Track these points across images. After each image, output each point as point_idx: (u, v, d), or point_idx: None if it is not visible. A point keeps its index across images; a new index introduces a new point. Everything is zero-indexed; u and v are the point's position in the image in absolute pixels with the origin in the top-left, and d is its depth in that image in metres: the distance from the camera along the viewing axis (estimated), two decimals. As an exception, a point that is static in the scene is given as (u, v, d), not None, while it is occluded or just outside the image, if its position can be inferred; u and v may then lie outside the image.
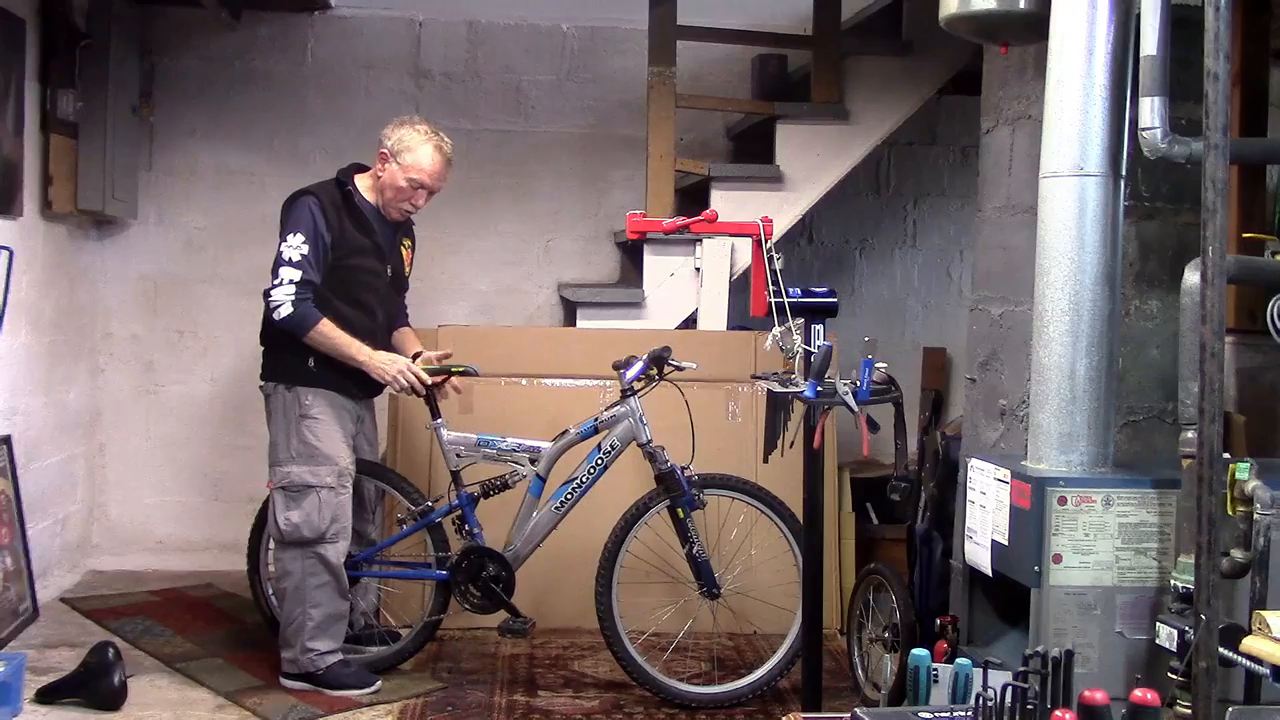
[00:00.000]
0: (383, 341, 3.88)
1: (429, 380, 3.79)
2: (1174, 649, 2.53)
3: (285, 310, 3.62)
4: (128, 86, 4.86)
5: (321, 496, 3.66)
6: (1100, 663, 2.70)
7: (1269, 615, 2.32)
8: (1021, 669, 2.25)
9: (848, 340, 4.14)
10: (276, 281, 3.63)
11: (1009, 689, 2.19)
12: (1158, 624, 2.62)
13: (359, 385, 3.81)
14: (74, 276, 4.92)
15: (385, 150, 3.77)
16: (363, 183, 3.83)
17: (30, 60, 4.35)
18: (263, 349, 3.83)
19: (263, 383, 3.82)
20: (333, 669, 3.72)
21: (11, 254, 3.96)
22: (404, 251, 3.98)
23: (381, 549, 4.00)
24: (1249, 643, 2.33)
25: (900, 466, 3.40)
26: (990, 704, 2.20)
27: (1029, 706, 2.19)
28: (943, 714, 2.35)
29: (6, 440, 4.18)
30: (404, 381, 3.74)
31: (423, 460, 4.42)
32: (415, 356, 3.90)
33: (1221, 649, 2.40)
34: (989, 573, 2.95)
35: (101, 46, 4.59)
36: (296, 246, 3.64)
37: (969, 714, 2.28)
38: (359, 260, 3.77)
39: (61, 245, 4.77)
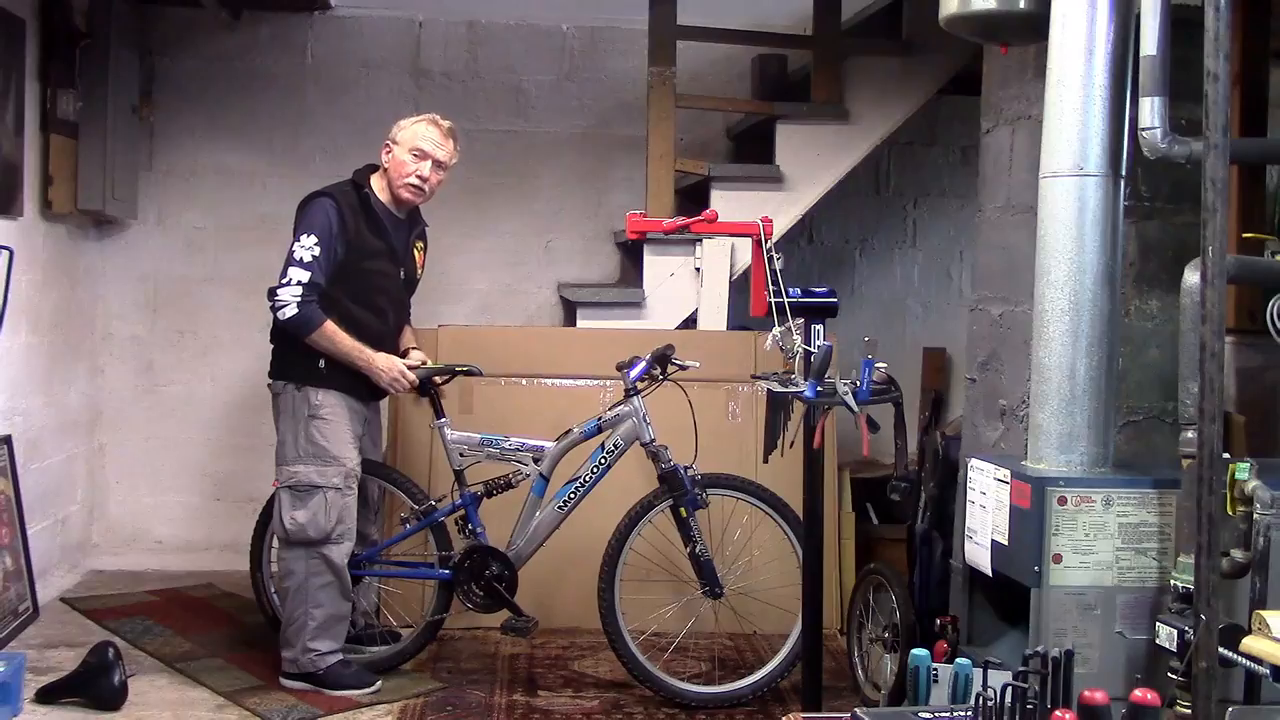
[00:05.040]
0: (392, 344, 3.89)
1: (415, 380, 3.79)
2: (1174, 649, 2.53)
3: (290, 311, 3.62)
4: (128, 86, 4.86)
5: (328, 497, 3.66)
6: (1100, 663, 2.70)
7: (1269, 615, 2.32)
8: (1021, 669, 2.25)
9: (848, 340, 4.14)
10: (285, 280, 3.62)
11: (1009, 689, 2.19)
12: (1158, 624, 2.62)
13: (368, 387, 3.82)
14: (74, 276, 4.92)
15: (388, 141, 3.82)
16: (377, 184, 3.83)
17: (30, 60, 4.36)
18: (273, 347, 3.83)
19: (271, 381, 3.81)
20: (333, 669, 3.72)
21: (11, 254, 3.96)
22: (416, 254, 3.98)
23: (384, 548, 4.00)
24: (1249, 643, 2.33)
25: (900, 466, 3.40)
26: (990, 704, 2.20)
27: (1029, 706, 2.19)
28: (943, 714, 2.35)
29: (6, 440, 4.18)
30: (397, 390, 3.78)
31: (423, 460, 4.42)
32: (404, 354, 3.91)
33: (1221, 649, 2.40)
34: (989, 573, 2.95)
35: (101, 46, 4.59)
36: (309, 248, 3.64)
37: (969, 714, 2.28)
38: (373, 263, 3.78)
39: (61, 245, 4.77)
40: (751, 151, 5.21)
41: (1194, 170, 2.60)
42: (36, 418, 4.56)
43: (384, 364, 3.75)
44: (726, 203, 4.69)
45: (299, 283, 3.61)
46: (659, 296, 4.75)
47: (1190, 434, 2.56)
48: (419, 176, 3.78)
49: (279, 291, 3.63)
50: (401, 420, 4.49)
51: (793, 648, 3.73)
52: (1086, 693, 2.16)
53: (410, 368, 3.80)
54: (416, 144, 3.77)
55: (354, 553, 3.80)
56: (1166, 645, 2.56)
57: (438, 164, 3.81)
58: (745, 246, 4.51)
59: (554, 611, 4.31)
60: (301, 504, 3.66)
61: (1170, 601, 2.61)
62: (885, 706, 3.20)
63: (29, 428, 4.47)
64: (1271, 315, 2.80)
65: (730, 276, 4.71)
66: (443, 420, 3.87)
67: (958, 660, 2.53)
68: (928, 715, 2.34)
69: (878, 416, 3.34)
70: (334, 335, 3.66)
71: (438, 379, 3.91)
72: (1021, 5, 2.95)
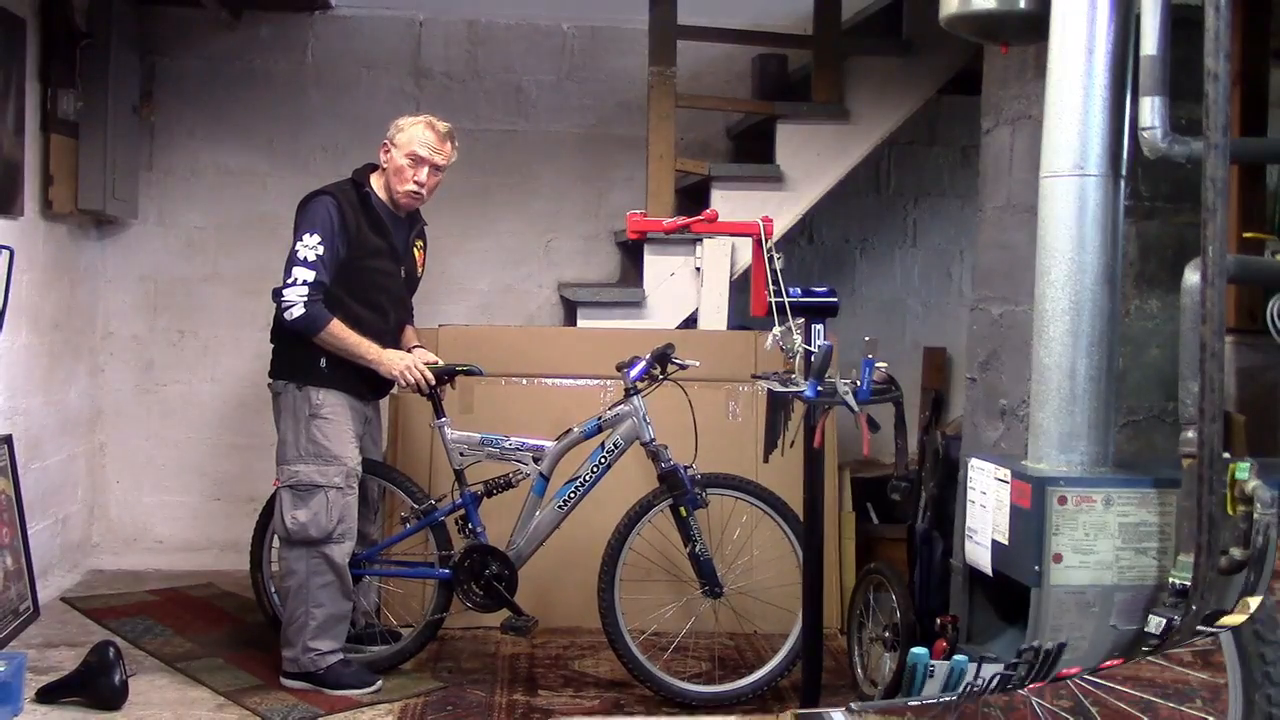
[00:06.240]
0: (394, 342, 3.89)
1: (432, 380, 3.80)
2: (1160, 636, 2.53)
3: (297, 311, 3.62)
4: (128, 86, 4.86)
5: (329, 496, 3.66)
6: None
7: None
8: (1014, 660, 2.26)
9: (848, 340, 4.14)
10: (290, 280, 3.62)
11: (997, 676, 2.20)
12: (1150, 615, 2.62)
13: (369, 386, 3.83)
14: (74, 276, 4.92)
15: (385, 141, 3.81)
16: (376, 182, 3.84)
17: (30, 60, 4.36)
18: (273, 347, 3.84)
19: (272, 380, 3.82)
20: (333, 669, 3.72)
21: (12, 254, 3.96)
22: (416, 253, 3.99)
23: (384, 548, 4.00)
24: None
25: (900, 466, 3.40)
26: (976, 689, 2.20)
27: (1009, 686, 2.19)
28: (930, 700, 2.36)
29: (7, 440, 4.18)
30: (411, 378, 3.76)
31: (423, 459, 4.42)
32: (409, 352, 3.91)
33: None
34: (989, 572, 2.94)
35: (101, 46, 4.60)
36: (312, 247, 3.64)
37: (955, 698, 2.29)
38: (374, 261, 3.78)
39: (62, 245, 4.77)
40: (751, 151, 5.21)
41: (1194, 170, 2.59)
42: (36, 417, 4.56)
43: (397, 358, 3.75)
44: (727, 202, 4.69)
45: (304, 282, 3.61)
46: (659, 296, 4.75)
47: (1190, 434, 2.56)
48: (416, 183, 3.79)
49: (285, 292, 3.63)
50: (402, 420, 4.49)
51: (793, 647, 3.73)
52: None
53: (428, 364, 3.81)
54: (413, 149, 3.76)
55: (354, 552, 3.80)
56: (1154, 632, 2.57)
57: (435, 168, 3.81)
58: (745, 246, 4.51)
59: (554, 611, 4.31)
60: (303, 503, 3.66)
61: (1166, 597, 2.61)
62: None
63: (29, 427, 4.47)
64: (1271, 315, 2.81)
65: (730, 276, 4.71)
66: (443, 420, 3.88)
67: (955, 656, 2.53)
68: (915, 703, 2.35)
69: (878, 416, 3.34)
70: (341, 333, 3.67)
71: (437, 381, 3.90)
72: (1021, 5, 2.95)
